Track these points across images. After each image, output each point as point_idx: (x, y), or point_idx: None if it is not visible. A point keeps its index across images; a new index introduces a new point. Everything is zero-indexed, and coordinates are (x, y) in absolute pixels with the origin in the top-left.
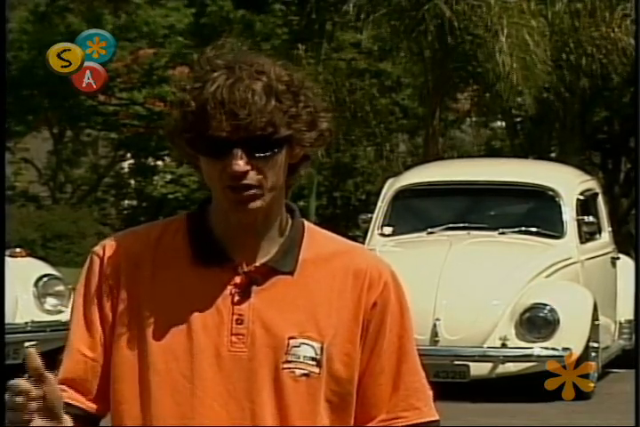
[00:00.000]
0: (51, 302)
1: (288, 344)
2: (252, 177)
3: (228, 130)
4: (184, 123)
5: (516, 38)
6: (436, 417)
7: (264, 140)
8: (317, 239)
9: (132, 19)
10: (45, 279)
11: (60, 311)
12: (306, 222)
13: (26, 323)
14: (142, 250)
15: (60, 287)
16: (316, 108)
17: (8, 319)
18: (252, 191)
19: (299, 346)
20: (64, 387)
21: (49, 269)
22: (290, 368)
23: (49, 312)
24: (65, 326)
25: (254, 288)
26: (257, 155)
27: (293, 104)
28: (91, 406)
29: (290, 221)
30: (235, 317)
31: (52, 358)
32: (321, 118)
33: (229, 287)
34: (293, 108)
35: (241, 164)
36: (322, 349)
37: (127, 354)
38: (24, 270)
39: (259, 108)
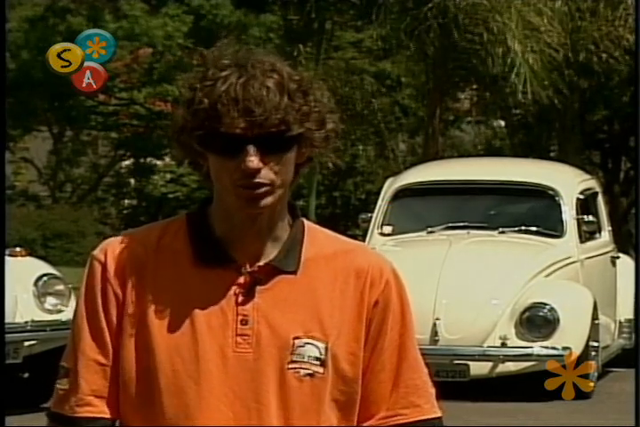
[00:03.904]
0: (51, 301)
1: (293, 344)
2: (265, 175)
3: (242, 127)
4: (194, 120)
5: (521, 34)
6: (438, 414)
7: (277, 138)
8: (319, 238)
9: (131, 25)
10: (45, 279)
11: (60, 311)
12: (306, 222)
13: (26, 322)
14: (144, 252)
15: (60, 287)
16: (324, 108)
17: (8, 319)
18: (264, 189)
19: (303, 346)
20: (92, 400)
21: (49, 269)
22: (295, 368)
23: (49, 311)
24: (65, 326)
25: (258, 288)
26: (270, 152)
27: (304, 103)
28: (114, 413)
29: (291, 221)
30: (239, 317)
31: (52, 358)
32: (328, 118)
33: (233, 288)
34: (305, 107)
35: (255, 160)
36: (326, 349)
37: (134, 357)
38: (24, 270)
39: (273, 105)
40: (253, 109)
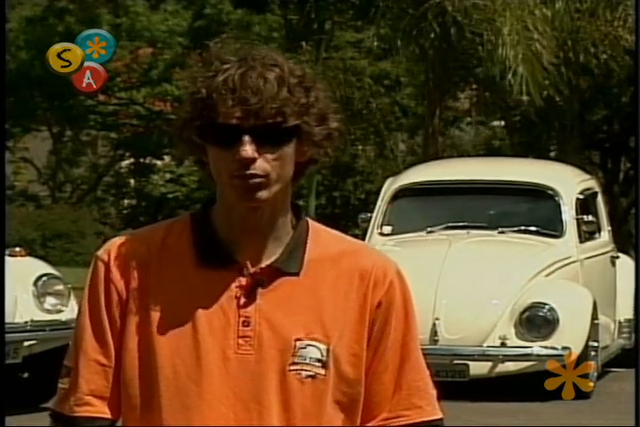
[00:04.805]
0: (50, 301)
1: (295, 346)
2: (260, 166)
3: (238, 116)
4: (194, 111)
5: (519, 35)
6: (439, 416)
7: (273, 129)
8: (323, 239)
9: (132, 21)
10: (45, 279)
11: (60, 311)
12: (310, 221)
13: (25, 322)
14: (147, 252)
15: (60, 287)
16: (326, 106)
17: (7, 319)
18: (259, 180)
19: (305, 348)
20: (91, 400)
21: (48, 269)
22: (296, 370)
23: (48, 311)
24: (65, 326)
25: (260, 290)
26: (265, 143)
27: (304, 97)
28: (114, 414)
29: (295, 222)
30: (241, 319)
31: (52, 358)
32: (332, 118)
33: (235, 289)
34: (304, 100)
35: (249, 150)
36: (328, 350)
37: (135, 358)
38: (23, 270)
39: (270, 95)
40: (249, 98)
